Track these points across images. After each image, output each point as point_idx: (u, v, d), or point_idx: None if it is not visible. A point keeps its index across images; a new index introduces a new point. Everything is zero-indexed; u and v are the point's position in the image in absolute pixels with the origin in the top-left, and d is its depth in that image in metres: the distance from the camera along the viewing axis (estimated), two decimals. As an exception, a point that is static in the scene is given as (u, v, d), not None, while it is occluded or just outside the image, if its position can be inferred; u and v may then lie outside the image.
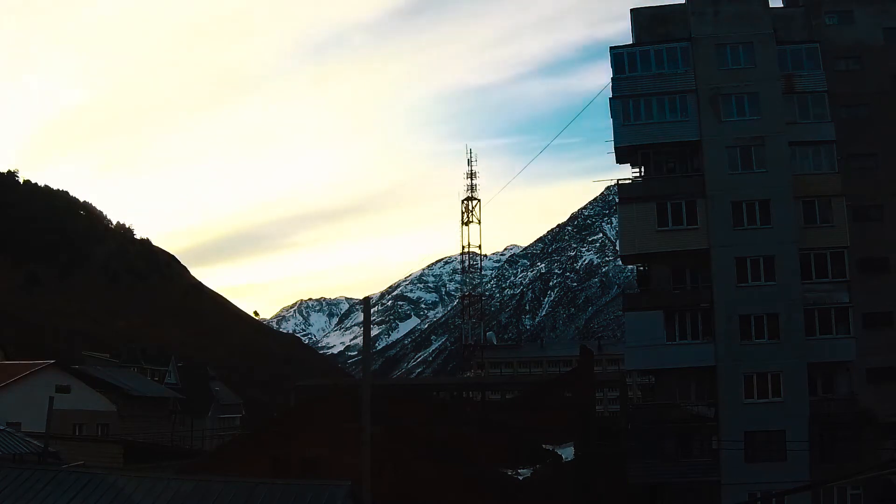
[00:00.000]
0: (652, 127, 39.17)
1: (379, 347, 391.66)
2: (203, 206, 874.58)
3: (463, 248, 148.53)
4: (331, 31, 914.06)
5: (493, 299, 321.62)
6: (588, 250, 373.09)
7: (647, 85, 39.35)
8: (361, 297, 19.99)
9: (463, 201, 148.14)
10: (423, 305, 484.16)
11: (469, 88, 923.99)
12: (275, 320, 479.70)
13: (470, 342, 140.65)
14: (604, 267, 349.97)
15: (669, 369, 37.67)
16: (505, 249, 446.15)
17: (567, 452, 48.26)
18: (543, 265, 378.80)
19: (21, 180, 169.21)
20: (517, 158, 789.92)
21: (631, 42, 41.87)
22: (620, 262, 64.53)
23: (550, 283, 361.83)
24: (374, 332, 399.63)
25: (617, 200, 41.48)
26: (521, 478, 42.66)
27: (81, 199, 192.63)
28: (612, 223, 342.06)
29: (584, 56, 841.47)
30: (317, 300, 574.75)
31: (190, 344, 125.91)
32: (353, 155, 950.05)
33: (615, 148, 40.15)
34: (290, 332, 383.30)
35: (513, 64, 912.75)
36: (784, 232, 37.04)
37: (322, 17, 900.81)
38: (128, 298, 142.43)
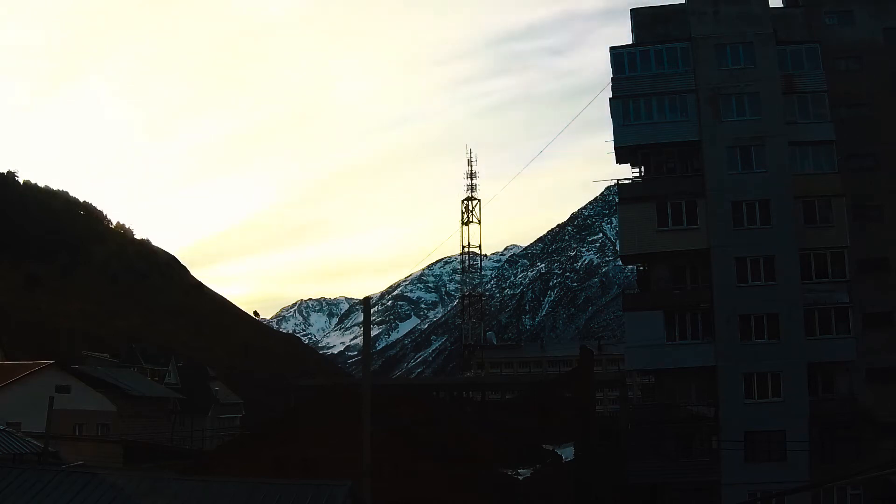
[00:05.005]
0: (652, 127, 39.17)
1: (379, 347, 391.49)
2: (203, 206, 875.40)
3: (463, 248, 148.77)
4: (336, 34, 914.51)
5: (493, 299, 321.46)
6: (588, 250, 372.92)
7: (647, 85, 39.35)
8: (361, 297, 19.97)
9: (463, 201, 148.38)
10: (423, 305, 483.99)
11: (470, 87, 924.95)
12: (275, 320, 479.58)
13: (470, 342, 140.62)
14: (604, 267, 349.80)
15: (669, 369, 37.68)
16: (505, 249, 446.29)
17: (567, 452, 48.25)
18: (543, 265, 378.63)
19: (21, 180, 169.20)
20: (517, 158, 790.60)
21: (631, 42, 41.86)
22: (620, 262, 64.53)
23: (550, 283, 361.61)
24: (374, 332, 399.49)
25: (617, 200, 41.47)
26: (521, 478, 42.60)
27: (81, 199, 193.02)
28: (612, 223, 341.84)
29: (585, 55, 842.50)
30: (317, 300, 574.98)
31: (190, 344, 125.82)
32: (352, 155, 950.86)
33: (615, 148, 40.14)
34: (290, 332, 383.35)
35: (513, 62, 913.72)
36: (784, 232, 37.04)
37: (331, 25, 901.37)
38: (128, 298, 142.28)
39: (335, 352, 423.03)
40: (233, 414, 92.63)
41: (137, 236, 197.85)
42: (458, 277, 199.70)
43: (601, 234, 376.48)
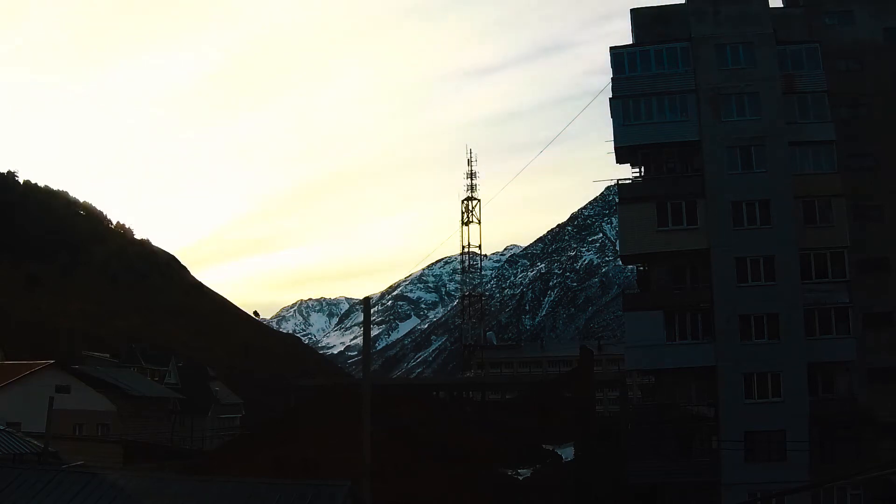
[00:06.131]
0: (652, 127, 39.08)
1: (379, 347, 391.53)
2: (203, 206, 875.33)
3: (463, 248, 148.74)
4: (335, 34, 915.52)
5: (493, 299, 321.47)
6: (588, 250, 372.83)
7: (647, 85, 39.26)
8: (361, 297, 19.97)
9: (463, 201, 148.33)
10: (423, 305, 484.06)
11: (471, 87, 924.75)
12: (275, 320, 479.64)
13: (470, 342, 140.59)
14: (604, 267, 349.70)
15: (669, 369, 37.63)
16: (505, 249, 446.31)
17: (567, 452, 48.25)
18: (543, 265, 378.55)
19: (21, 180, 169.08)
20: (517, 158, 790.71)
21: (631, 42, 41.83)
22: (620, 262, 64.46)
23: (550, 283, 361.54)
24: (374, 332, 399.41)
25: (617, 200, 41.41)
26: (521, 478, 42.67)
27: (81, 200, 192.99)
28: (612, 223, 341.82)
29: (585, 55, 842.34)
30: (317, 300, 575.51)
31: (190, 344, 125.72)
32: (352, 154, 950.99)
33: (615, 148, 40.08)
34: (290, 332, 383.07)
35: (514, 62, 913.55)
36: (784, 232, 36.99)
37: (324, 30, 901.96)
38: (128, 298, 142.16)
39: (335, 352, 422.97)
40: (233, 414, 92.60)
41: (137, 236, 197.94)
42: (458, 277, 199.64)
43: (601, 234, 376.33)
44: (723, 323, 36.87)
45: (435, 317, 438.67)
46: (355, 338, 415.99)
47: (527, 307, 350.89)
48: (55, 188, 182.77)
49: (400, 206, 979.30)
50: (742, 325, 36.73)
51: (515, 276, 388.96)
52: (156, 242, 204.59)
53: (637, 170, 41.02)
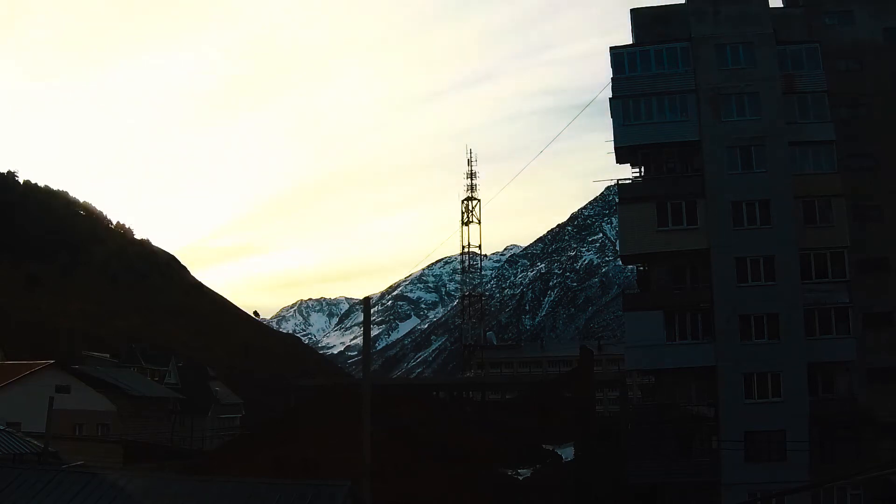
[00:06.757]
0: (652, 127, 39.06)
1: (379, 347, 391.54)
2: (203, 206, 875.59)
3: (463, 248, 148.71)
4: (335, 34, 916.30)
5: (493, 299, 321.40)
6: (588, 250, 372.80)
7: (647, 85, 39.25)
8: (361, 297, 19.97)
9: (463, 201, 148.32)
10: (423, 305, 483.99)
11: (471, 87, 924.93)
12: (275, 320, 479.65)
13: (470, 342, 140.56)
14: (604, 267, 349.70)
15: (669, 369, 37.62)
16: (505, 249, 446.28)
17: (567, 452, 48.25)
18: (543, 265, 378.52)
19: (21, 180, 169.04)
20: (517, 158, 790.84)
21: (631, 42, 41.82)
22: (620, 262, 64.42)
23: (550, 283, 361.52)
24: (374, 332, 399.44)
25: (617, 200, 41.39)
26: (521, 478, 42.69)
27: (81, 200, 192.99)
28: (612, 223, 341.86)
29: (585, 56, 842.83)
30: (317, 300, 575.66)
31: (190, 344, 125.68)
32: (352, 154, 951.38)
33: (615, 148, 40.07)
34: (290, 332, 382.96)
35: (514, 63, 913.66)
36: (784, 232, 36.98)
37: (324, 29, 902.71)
38: (128, 298, 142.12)
39: (335, 352, 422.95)
40: (233, 414, 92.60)
41: (137, 236, 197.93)
42: (458, 277, 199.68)
43: (601, 234, 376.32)
44: (723, 323, 36.86)
45: (435, 317, 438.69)
46: (355, 338, 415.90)
47: (527, 307, 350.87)
48: (55, 188, 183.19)
49: (400, 206, 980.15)
50: (742, 325, 36.72)
51: (515, 276, 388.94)
52: (156, 242, 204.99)
53: (637, 170, 41.02)
